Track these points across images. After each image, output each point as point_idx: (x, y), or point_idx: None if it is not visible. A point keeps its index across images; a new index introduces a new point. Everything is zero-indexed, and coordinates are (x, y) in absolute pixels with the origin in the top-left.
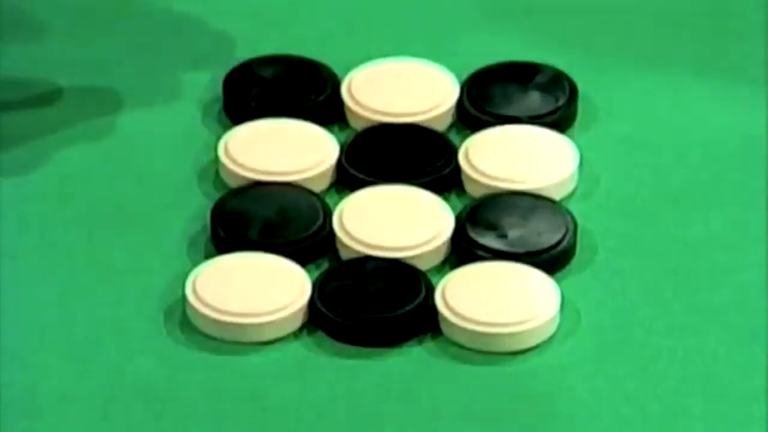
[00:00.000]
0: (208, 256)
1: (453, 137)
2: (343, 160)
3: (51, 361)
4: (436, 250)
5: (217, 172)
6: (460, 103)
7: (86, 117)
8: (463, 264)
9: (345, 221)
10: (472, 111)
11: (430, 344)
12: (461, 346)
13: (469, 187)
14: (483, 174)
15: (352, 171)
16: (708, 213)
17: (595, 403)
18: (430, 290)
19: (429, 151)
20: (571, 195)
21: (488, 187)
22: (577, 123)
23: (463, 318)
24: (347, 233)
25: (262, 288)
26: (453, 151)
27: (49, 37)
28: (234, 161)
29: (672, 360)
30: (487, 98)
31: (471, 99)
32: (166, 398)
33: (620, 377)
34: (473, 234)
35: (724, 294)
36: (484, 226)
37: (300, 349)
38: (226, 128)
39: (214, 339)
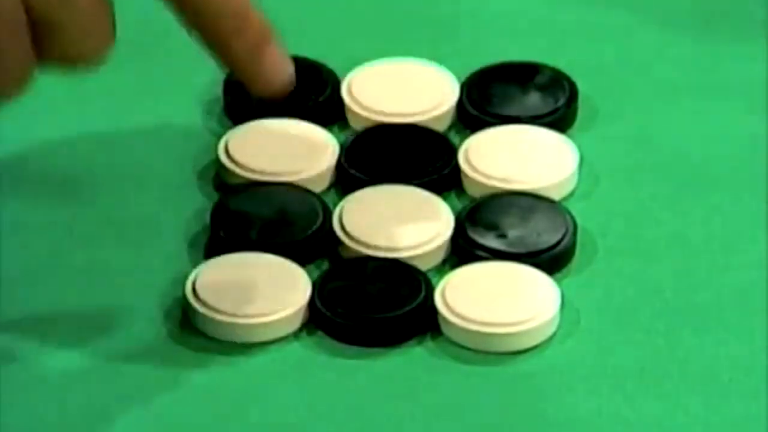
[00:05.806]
0: (208, 256)
1: (453, 137)
2: (343, 160)
3: (50, 361)
4: (436, 250)
5: (217, 172)
6: (460, 103)
7: (85, 117)
8: (463, 264)
9: (345, 221)
10: (472, 111)
11: (430, 344)
12: (461, 346)
13: (469, 187)
14: (483, 174)
15: (352, 171)
16: (708, 213)
17: (595, 403)
18: (430, 290)
19: (429, 151)
20: (571, 195)
21: (488, 187)
22: (577, 123)
23: (463, 318)
24: (347, 233)
25: (262, 288)
26: (453, 151)
27: None
28: (234, 161)
29: (672, 360)
30: (487, 98)
31: (471, 99)
32: (166, 398)
33: (620, 377)
34: (473, 234)
35: (724, 294)
36: (484, 226)
37: (300, 349)
38: (226, 128)
39: (214, 339)
